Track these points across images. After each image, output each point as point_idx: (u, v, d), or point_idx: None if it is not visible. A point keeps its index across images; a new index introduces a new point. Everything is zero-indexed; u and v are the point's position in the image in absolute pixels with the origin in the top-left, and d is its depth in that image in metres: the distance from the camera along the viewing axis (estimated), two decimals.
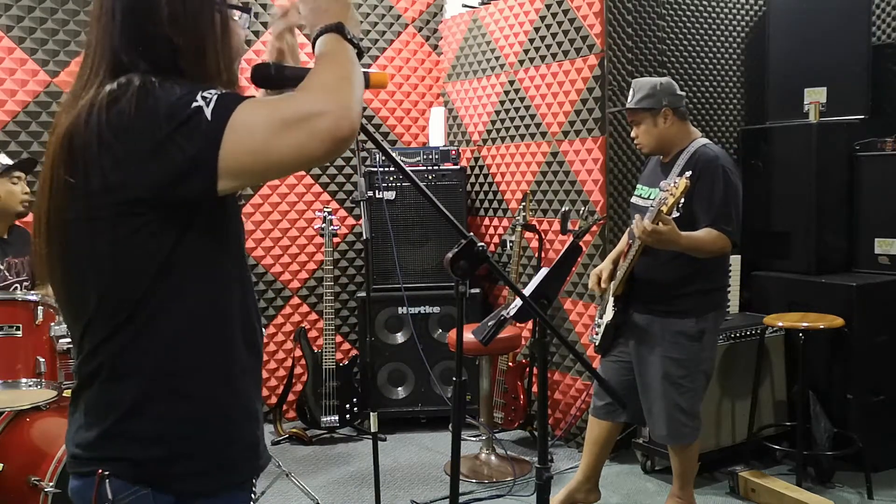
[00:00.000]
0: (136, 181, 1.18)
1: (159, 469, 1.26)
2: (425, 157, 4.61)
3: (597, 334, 3.37)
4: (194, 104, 1.16)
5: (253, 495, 1.42)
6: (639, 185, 3.37)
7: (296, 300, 4.88)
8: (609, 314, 3.29)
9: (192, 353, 1.28)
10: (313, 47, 1.31)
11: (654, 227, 2.86)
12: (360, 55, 1.30)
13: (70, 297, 1.31)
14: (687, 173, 2.89)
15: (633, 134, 3.27)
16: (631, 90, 3.23)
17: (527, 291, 2.28)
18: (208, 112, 1.15)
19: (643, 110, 3.16)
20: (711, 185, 3.02)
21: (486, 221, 4.92)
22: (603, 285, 3.31)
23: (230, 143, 1.15)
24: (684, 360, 3.12)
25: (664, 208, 2.85)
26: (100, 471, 1.25)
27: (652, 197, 3.17)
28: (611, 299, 3.29)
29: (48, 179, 1.26)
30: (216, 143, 1.15)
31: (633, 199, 3.36)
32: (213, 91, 1.19)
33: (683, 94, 3.27)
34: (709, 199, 3.02)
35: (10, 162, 3.23)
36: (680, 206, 2.97)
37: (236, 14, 1.36)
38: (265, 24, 4.67)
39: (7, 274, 3.16)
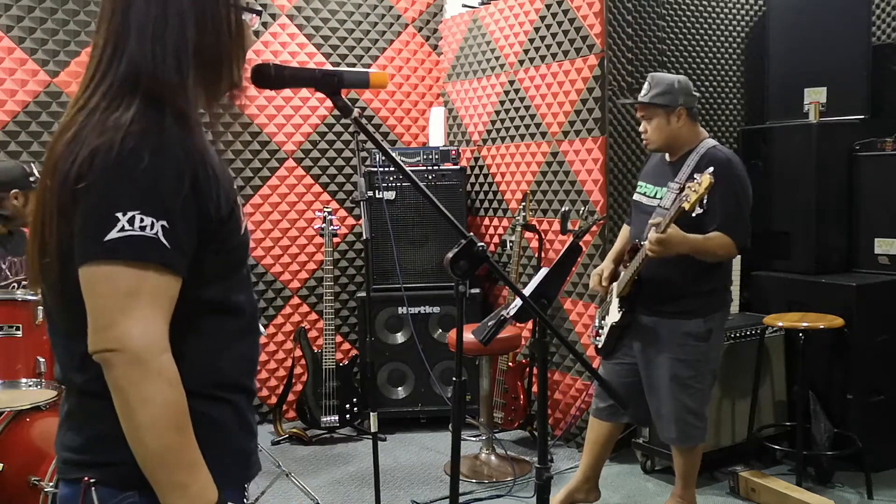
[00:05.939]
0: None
1: None
2: (425, 157, 4.61)
3: (598, 336, 3.35)
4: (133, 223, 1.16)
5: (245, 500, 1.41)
6: (641, 183, 3.31)
7: (296, 300, 4.87)
8: (615, 316, 3.24)
9: (182, 364, 1.24)
10: None
11: (660, 236, 2.86)
12: None
13: (63, 305, 1.27)
14: (710, 169, 2.83)
15: (641, 128, 3.22)
16: (647, 83, 3.17)
17: (527, 291, 2.28)
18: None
19: (657, 106, 3.11)
20: (725, 190, 2.98)
21: (486, 221, 4.92)
22: (604, 283, 3.30)
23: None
24: (692, 360, 3.11)
25: (686, 205, 2.81)
26: (86, 478, 1.23)
27: (658, 196, 3.14)
28: (615, 300, 3.24)
29: (42, 184, 1.26)
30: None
31: (637, 197, 3.30)
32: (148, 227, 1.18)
33: (697, 94, 3.25)
34: (722, 204, 2.99)
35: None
36: (704, 202, 2.94)
37: (247, 15, 1.38)
38: (265, 25, 4.67)
39: (8, 273, 3.16)
